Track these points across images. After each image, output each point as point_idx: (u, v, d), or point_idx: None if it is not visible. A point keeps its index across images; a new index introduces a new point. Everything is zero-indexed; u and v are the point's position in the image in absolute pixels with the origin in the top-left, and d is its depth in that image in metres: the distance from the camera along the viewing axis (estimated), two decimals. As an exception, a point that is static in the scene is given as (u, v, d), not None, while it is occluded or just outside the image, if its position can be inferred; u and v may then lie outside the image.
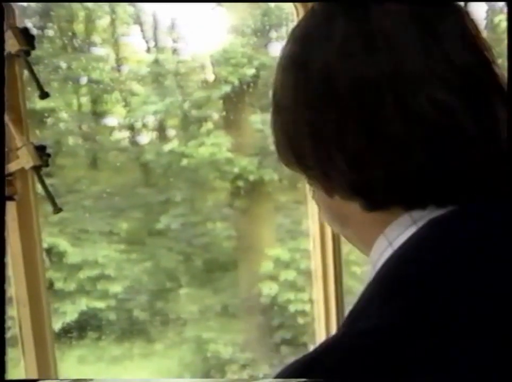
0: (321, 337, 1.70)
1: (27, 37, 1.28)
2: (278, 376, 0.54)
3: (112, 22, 4.60)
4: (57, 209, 1.21)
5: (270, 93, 0.66)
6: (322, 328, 1.68)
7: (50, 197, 1.21)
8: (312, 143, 0.60)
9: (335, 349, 0.53)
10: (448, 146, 0.57)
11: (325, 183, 0.62)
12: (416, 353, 0.49)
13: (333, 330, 1.67)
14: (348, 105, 0.58)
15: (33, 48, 1.30)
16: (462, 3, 0.65)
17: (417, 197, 0.58)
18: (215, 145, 3.99)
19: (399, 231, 0.59)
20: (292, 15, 1.67)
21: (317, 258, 1.63)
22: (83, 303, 4.13)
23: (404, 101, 0.56)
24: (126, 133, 4.62)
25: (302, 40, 0.63)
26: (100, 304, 4.14)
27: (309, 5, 1.60)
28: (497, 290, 0.52)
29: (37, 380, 1.27)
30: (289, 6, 1.69)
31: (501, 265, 0.53)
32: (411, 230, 0.58)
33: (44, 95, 1.30)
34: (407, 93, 0.57)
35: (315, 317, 1.68)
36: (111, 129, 4.71)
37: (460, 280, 0.53)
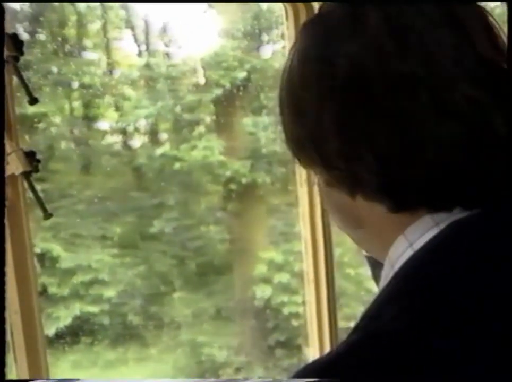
0: (313, 339, 1.70)
1: (16, 43, 1.28)
2: (295, 376, 0.53)
3: (104, 26, 4.59)
4: (47, 215, 1.21)
5: (269, 95, 0.64)
6: (314, 330, 1.68)
7: (40, 203, 1.21)
8: (340, 143, 0.58)
9: (353, 351, 0.52)
10: (481, 147, 0.56)
11: (352, 183, 0.60)
12: (431, 355, 0.49)
13: (326, 332, 1.67)
14: (380, 102, 0.56)
15: (22, 53, 1.30)
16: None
17: (445, 198, 0.57)
18: (207, 148, 3.98)
19: (421, 233, 0.58)
20: (282, 17, 1.67)
21: (309, 260, 1.63)
22: (77, 308, 4.12)
23: (440, 99, 0.55)
24: (118, 138, 4.62)
25: (322, 36, 0.60)
26: (94, 309, 4.13)
27: (299, 5, 1.60)
28: None
29: (37, 380, 1.27)
30: (280, 8, 1.69)
31: None
32: (433, 232, 0.57)
33: (33, 101, 1.30)
34: (442, 90, 0.55)
35: (307, 319, 1.68)
36: (103, 133, 4.70)
37: (479, 285, 0.53)
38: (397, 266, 0.58)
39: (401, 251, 0.58)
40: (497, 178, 0.57)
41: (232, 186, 4.07)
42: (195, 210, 4.21)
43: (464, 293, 0.52)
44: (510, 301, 0.51)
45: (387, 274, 0.59)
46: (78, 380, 1.30)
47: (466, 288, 0.53)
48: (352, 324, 0.56)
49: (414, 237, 0.58)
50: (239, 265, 4.21)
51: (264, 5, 3.91)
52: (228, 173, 4.04)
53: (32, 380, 1.23)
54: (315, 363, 0.53)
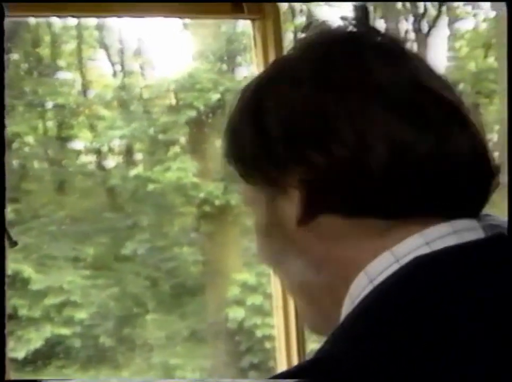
0: (281, 361, 1.69)
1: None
2: None
3: (78, 46, 4.60)
4: (12, 243, 1.19)
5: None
6: (283, 354, 1.68)
7: (5, 230, 1.20)
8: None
9: (299, 374, 0.53)
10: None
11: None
12: None
13: (294, 355, 1.67)
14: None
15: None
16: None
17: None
18: (181, 169, 3.99)
19: (381, 269, 0.59)
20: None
21: (277, 283, 1.63)
22: (48, 330, 4.07)
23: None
24: (92, 158, 4.60)
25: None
26: (65, 331, 4.09)
27: (268, 33, 1.63)
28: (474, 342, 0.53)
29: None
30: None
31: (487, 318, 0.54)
32: (394, 268, 0.58)
33: None
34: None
35: (275, 342, 1.68)
36: (77, 153, 4.69)
37: (434, 319, 0.54)
38: (357, 300, 0.59)
39: (362, 287, 0.59)
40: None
41: (206, 208, 4.07)
42: (168, 232, 4.20)
43: (419, 326, 0.53)
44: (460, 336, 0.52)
45: (347, 309, 0.60)
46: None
47: (420, 321, 0.54)
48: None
49: (374, 274, 0.59)
50: (213, 287, 4.20)
51: (238, 28, 3.96)
52: (202, 195, 4.05)
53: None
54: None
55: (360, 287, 0.58)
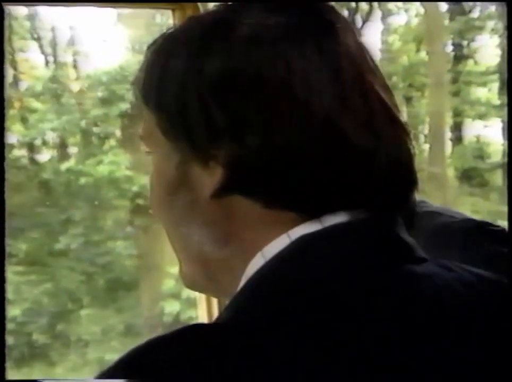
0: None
1: None
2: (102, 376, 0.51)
3: (9, 37, 4.48)
4: None
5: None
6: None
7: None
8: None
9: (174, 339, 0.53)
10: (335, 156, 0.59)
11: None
12: (262, 353, 0.50)
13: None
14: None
15: None
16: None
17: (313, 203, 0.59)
18: (113, 163, 3.94)
19: (276, 249, 0.59)
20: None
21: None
22: (-21, 328, 3.97)
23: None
24: (25, 152, 4.50)
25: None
26: (-3, 329, 4.00)
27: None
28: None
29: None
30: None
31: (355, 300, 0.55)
32: (285, 243, 0.59)
33: None
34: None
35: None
36: (10, 147, 4.58)
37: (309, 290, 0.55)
38: (250, 274, 0.60)
39: (257, 267, 0.60)
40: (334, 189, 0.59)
41: (140, 201, 4.04)
42: (102, 226, 4.14)
43: (301, 297, 0.55)
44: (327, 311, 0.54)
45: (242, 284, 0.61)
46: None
47: (302, 292, 0.55)
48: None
49: (269, 254, 0.60)
50: (148, 280, 4.17)
51: (170, 20, 3.89)
52: (135, 188, 4.01)
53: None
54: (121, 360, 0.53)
55: (256, 267, 0.59)
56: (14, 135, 4.48)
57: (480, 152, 4.97)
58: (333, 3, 0.65)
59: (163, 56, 0.62)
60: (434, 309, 0.56)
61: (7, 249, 3.58)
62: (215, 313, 1.68)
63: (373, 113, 0.59)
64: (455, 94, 4.81)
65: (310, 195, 0.58)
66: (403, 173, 0.61)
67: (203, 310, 1.69)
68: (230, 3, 0.65)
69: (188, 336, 0.52)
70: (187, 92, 0.59)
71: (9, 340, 4.13)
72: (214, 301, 1.67)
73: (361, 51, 0.62)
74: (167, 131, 0.62)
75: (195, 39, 0.61)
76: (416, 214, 1.31)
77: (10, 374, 3.98)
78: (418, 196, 0.65)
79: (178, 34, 0.63)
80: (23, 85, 4.46)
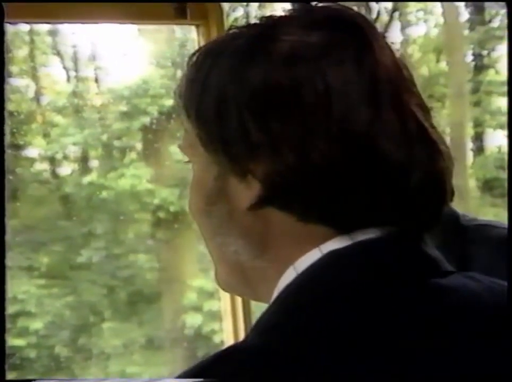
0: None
1: None
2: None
3: (31, 52, 4.54)
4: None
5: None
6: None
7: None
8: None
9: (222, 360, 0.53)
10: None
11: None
12: (301, 369, 0.51)
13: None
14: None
15: None
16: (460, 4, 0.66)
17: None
18: (135, 176, 3.96)
19: (307, 263, 0.60)
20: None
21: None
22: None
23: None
24: (46, 165, 4.54)
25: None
26: (20, 342, 4.02)
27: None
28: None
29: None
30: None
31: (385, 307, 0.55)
32: (317, 256, 0.60)
33: None
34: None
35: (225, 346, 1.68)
36: (32, 161, 4.62)
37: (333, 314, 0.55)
38: (282, 287, 0.61)
39: (288, 281, 0.60)
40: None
41: (161, 214, 4.05)
42: (124, 239, 4.16)
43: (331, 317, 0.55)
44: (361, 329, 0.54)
45: (275, 297, 0.61)
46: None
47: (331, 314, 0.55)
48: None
49: (301, 268, 0.60)
50: (169, 293, 4.18)
51: (191, 34, 3.92)
52: (156, 201, 4.03)
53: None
54: (188, 371, 0.54)
55: (288, 281, 0.60)
56: (35, 149, 4.53)
57: (502, 162, 4.92)
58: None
59: (204, 68, 0.63)
60: (460, 319, 0.56)
61: (28, 262, 3.58)
62: (241, 326, 1.67)
63: (408, 131, 0.59)
64: (476, 104, 4.78)
65: (344, 210, 0.59)
66: (435, 192, 0.61)
67: (229, 322, 1.70)
68: (269, 16, 0.66)
69: (225, 362, 0.53)
70: (226, 104, 0.60)
71: (31, 353, 4.15)
72: (240, 314, 1.67)
73: (399, 69, 0.62)
74: (206, 144, 0.63)
75: (237, 52, 0.61)
76: (464, 228, 1.29)
77: (33, 387, 4.01)
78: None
79: (219, 47, 0.64)
80: (45, 100, 4.51)
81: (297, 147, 0.57)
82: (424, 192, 0.60)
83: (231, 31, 0.65)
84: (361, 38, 0.61)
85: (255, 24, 0.64)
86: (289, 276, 0.61)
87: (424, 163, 0.60)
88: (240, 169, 0.60)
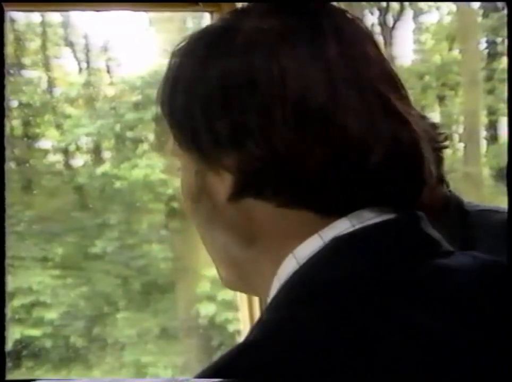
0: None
1: None
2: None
3: (43, 44, 4.55)
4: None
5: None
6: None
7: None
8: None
9: (239, 355, 0.53)
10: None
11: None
12: (311, 359, 0.51)
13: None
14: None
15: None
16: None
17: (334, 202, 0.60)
18: (148, 166, 3.98)
19: (309, 251, 0.60)
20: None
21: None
22: (18, 332, 4.03)
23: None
24: (60, 157, 4.56)
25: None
26: (36, 332, 4.05)
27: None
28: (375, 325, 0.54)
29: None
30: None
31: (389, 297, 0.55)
32: (319, 245, 0.59)
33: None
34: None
35: (241, 335, 1.69)
36: (45, 152, 4.64)
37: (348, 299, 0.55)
38: (284, 279, 0.61)
39: (290, 269, 0.60)
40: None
41: (174, 204, 4.06)
42: (137, 229, 4.18)
43: (344, 304, 0.55)
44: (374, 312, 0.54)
45: (275, 289, 0.61)
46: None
47: (342, 300, 0.55)
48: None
49: (302, 256, 0.60)
50: (183, 283, 4.19)
51: (202, 23, 3.92)
52: (170, 191, 4.04)
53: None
54: (207, 370, 0.54)
55: (289, 269, 0.60)
56: (48, 140, 4.55)
57: (516, 151, 4.89)
58: (364, 3, 0.66)
59: (173, 69, 0.64)
60: (462, 297, 0.57)
61: (42, 253, 3.59)
62: (257, 315, 1.68)
63: (370, 108, 0.59)
64: (490, 92, 4.74)
65: (318, 192, 0.59)
66: (405, 162, 0.61)
67: (245, 312, 1.70)
68: (234, 9, 0.67)
69: (240, 359, 0.53)
70: (192, 101, 0.61)
71: (47, 343, 4.18)
72: (256, 303, 1.68)
73: (363, 48, 0.62)
74: (181, 142, 0.64)
75: (200, 49, 0.62)
76: (468, 213, 1.30)
77: (49, 376, 4.04)
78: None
79: (186, 46, 0.64)
80: (58, 91, 4.52)
81: (259, 137, 0.57)
82: (393, 163, 0.59)
83: (199, 31, 0.66)
84: (316, 21, 0.61)
85: (221, 18, 0.65)
86: (289, 264, 0.61)
87: (388, 135, 0.59)
88: (212, 163, 0.61)
